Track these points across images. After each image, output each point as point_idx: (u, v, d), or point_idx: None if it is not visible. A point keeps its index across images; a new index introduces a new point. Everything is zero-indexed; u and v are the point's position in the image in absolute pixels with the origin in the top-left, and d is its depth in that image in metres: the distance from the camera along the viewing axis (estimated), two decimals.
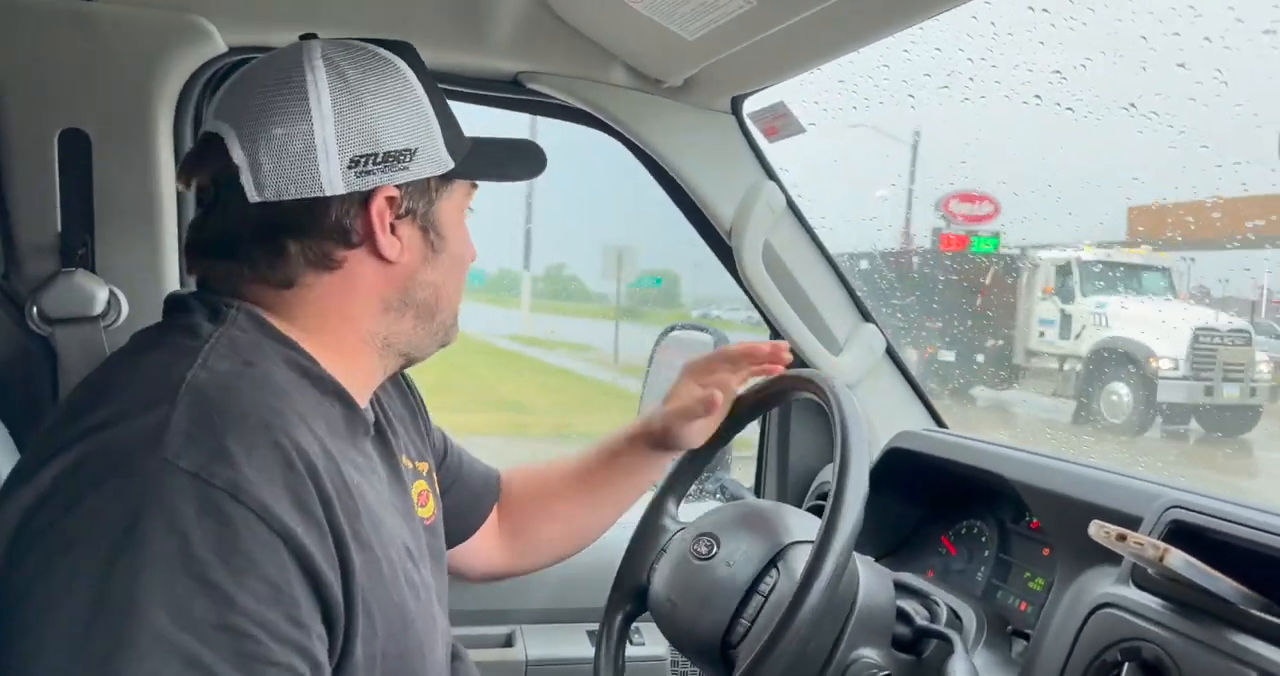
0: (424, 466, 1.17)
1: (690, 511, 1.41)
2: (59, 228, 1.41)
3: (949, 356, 9.73)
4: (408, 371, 1.19)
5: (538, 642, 1.72)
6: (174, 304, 0.97)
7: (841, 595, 1.15)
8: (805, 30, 1.28)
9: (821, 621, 1.04)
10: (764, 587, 1.15)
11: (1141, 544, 0.90)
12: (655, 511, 1.38)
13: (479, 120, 1.20)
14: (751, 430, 1.93)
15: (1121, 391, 8.17)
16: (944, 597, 1.29)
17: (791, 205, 1.73)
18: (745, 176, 1.70)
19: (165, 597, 0.72)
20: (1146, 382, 8.08)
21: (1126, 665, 0.96)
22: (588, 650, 1.70)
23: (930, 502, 1.59)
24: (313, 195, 0.90)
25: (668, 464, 1.41)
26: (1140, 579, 1.01)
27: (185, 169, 0.95)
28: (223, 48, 1.45)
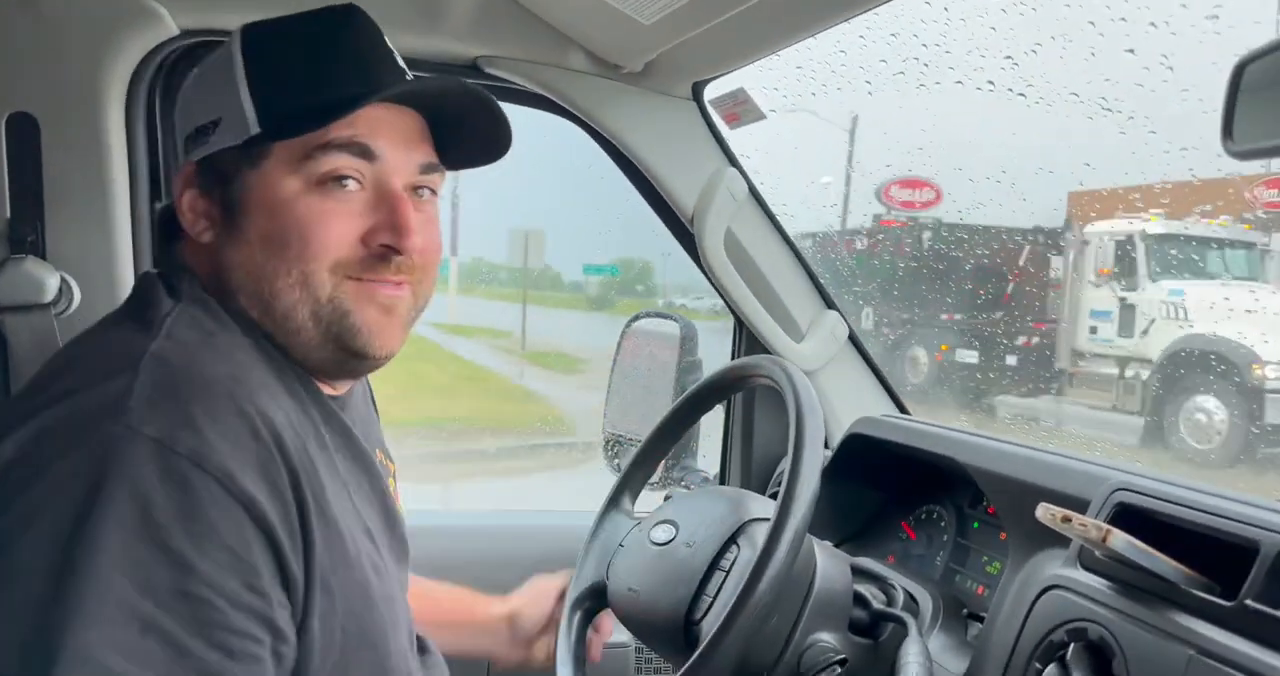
0: (392, 467, 1.16)
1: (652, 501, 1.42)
2: (8, 214, 1.40)
3: (968, 356, 8.07)
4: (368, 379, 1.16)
5: None
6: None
7: (798, 578, 1.16)
8: (762, 15, 1.28)
9: (783, 592, 1.05)
10: (725, 563, 1.16)
11: (1085, 525, 0.91)
12: (611, 508, 1.39)
13: None
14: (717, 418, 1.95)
15: (1210, 407, 6.11)
16: (901, 581, 1.30)
17: (754, 192, 1.73)
18: (707, 163, 1.70)
19: (126, 563, 0.72)
20: (1249, 396, 5.97)
21: (1072, 646, 0.97)
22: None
23: (891, 488, 1.60)
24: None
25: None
26: (1088, 561, 1.01)
27: None
28: (174, 31, 1.44)
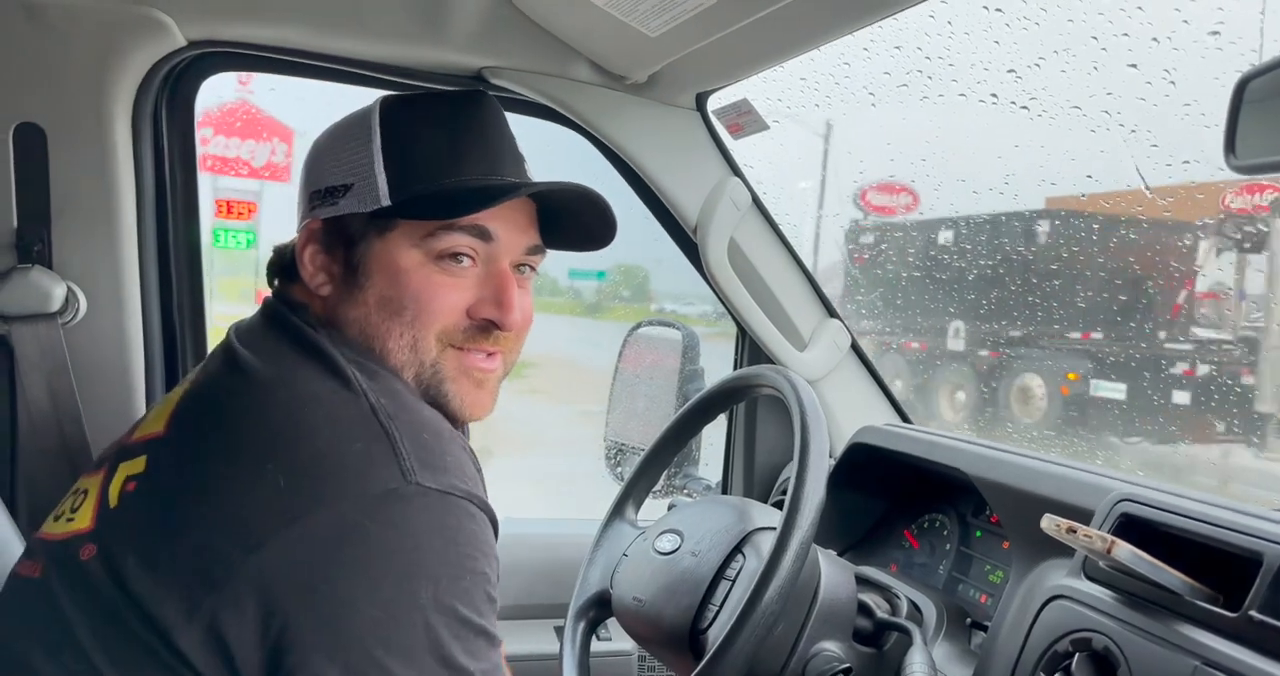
0: None
1: (656, 510, 1.42)
2: (14, 223, 1.40)
3: (1114, 391, 5.81)
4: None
5: (507, 639, 1.71)
6: (287, 328, 1.00)
7: (803, 588, 1.16)
8: (766, 27, 1.29)
9: (788, 601, 1.05)
10: (731, 572, 1.17)
11: (1090, 536, 0.91)
12: (615, 517, 1.39)
13: None
14: (719, 428, 1.95)
15: None
16: (905, 591, 1.30)
17: (757, 202, 1.74)
18: (710, 173, 1.70)
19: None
20: None
21: (1077, 656, 0.98)
22: (556, 646, 1.70)
23: (893, 497, 1.61)
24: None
25: None
26: (1092, 571, 1.02)
27: None
28: (181, 42, 1.44)
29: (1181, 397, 5.49)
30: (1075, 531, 0.93)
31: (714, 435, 1.96)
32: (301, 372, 0.93)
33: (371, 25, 1.49)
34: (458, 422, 1.03)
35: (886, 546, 1.58)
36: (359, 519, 0.81)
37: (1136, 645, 0.91)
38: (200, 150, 1.64)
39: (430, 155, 0.98)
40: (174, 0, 1.41)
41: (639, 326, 2.03)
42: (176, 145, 1.55)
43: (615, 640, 1.75)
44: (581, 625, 1.33)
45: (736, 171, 1.73)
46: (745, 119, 1.65)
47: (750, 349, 1.84)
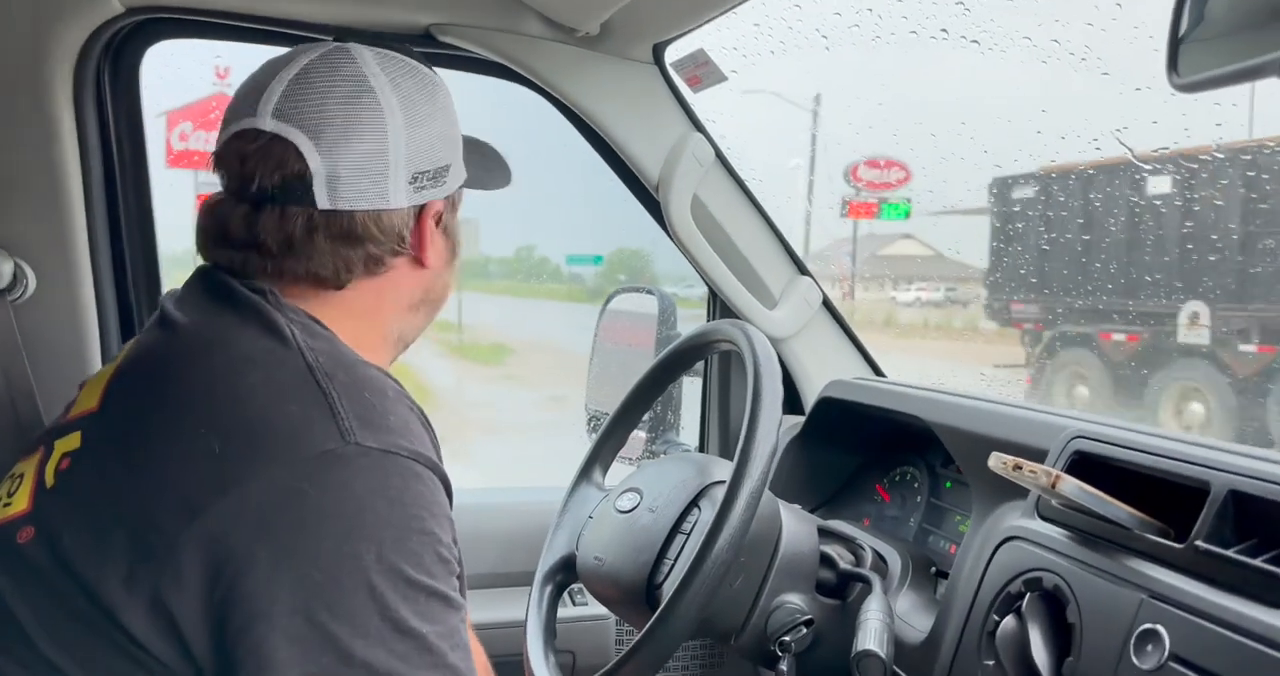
0: None
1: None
2: None
3: None
4: None
5: (480, 606, 1.71)
6: (222, 291, 0.96)
7: (763, 541, 1.15)
8: None
9: (747, 552, 1.04)
10: (686, 526, 1.16)
11: (1036, 472, 0.89)
12: (581, 480, 1.38)
13: None
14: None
15: None
16: (870, 542, 1.28)
17: (720, 157, 1.70)
18: (671, 128, 1.67)
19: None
20: None
21: (1028, 596, 0.96)
22: None
23: (865, 451, 1.58)
24: (378, 208, 0.95)
25: None
26: (1044, 510, 1.00)
27: (249, 163, 0.93)
28: (119, 8, 1.41)
29: None
30: (1021, 468, 0.90)
31: (694, 400, 1.94)
32: (236, 334, 0.90)
33: None
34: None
35: (859, 501, 1.56)
36: (297, 483, 0.79)
37: (1085, 581, 0.89)
38: (181, 145, 1.62)
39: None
40: None
41: (615, 294, 2.01)
42: (122, 116, 1.52)
43: (593, 604, 1.74)
44: (548, 589, 1.32)
45: (699, 127, 1.69)
46: (703, 70, 1.62)
47: (721, 309, 1.81)
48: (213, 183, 1.02)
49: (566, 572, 1.33)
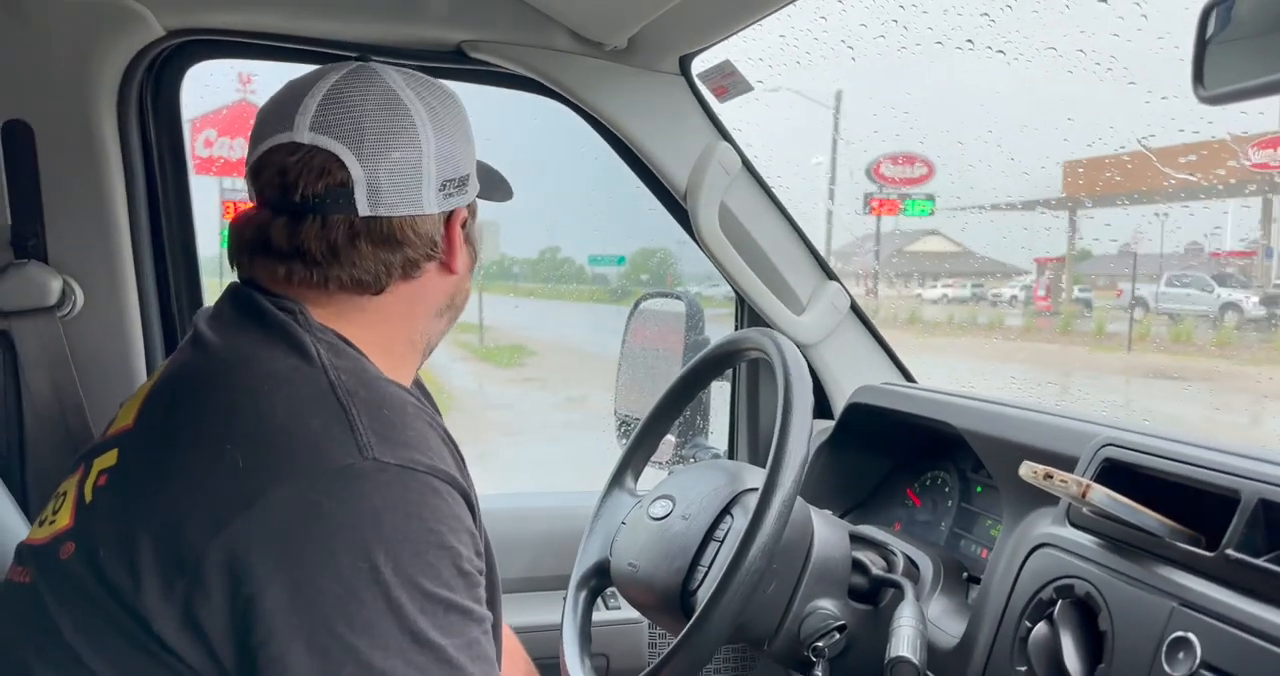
0: None
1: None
2: (8, 219, 1.42)
3: None
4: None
5: (516, 610, 1.74)
6: (252, 309, 0.99)
7: (796, 547, 1.16)
8: None
9: (780, 559, 1.05)
10: (720, 533, 1.17)
11: (1066, 481, 0.90)
12: (614, 487, 1.40)
13: None
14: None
15: None
16: (902, 547, 1.29)
17: (747, 165, 1.72)
18: (698, 138, 1.69)
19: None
20: None
21: (1060, 602, 0.97)
22: None
23: (895, 456, 1.59)
24: (414, 213, 0.99)
25: None
26: (1075, 518, 1.01)
27: (291, 174, 0.96)
28: (159, 32, 1.45)
29: None
30: (1052, 477, 0.91)
31: (723, 404, 1.96)
32: (264, 352, 0.93)
33: (349, 5, 1.50)
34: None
35: (889, 506, 1.57)
36: (315, 496, 0.81)
37: (1116, 589, 0.90)
38: (206, 152, 1.66)
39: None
40: None
41: (643, 299, 2.03)
42: (164, 135, 1.56)
43: (626, 608, 1.76)
44: (583, 594, 1.34)
45: (725, 135, 1.71)
46: (729, 81, 1.64)
47: (749, 316, 1.83)
48: (237, 189, 1.06)
49: (601, 578, 1.35)
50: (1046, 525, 1.05)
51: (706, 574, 1.15)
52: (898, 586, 1.19)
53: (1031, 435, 1.14)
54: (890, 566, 1.26)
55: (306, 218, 0.96)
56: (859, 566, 1.23)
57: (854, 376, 1.76)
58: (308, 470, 0.82)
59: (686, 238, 1.76)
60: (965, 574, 1.30)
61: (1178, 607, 0.84)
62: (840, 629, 1.16)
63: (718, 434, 1.96)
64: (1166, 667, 0.82)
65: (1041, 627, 0.97)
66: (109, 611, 0.84)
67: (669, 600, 1.19)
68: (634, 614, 1.77)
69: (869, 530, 1.35)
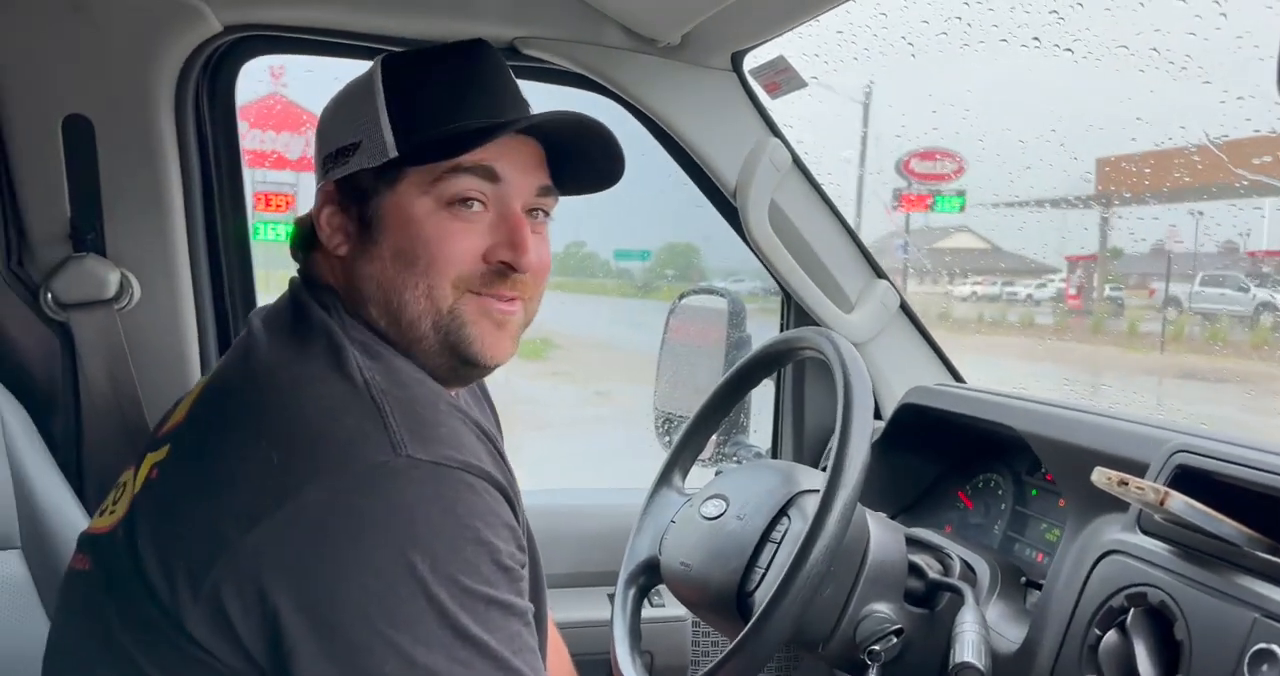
0: None
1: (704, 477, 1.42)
2: (68, 213, 1.43)
3: None
4: (485, 387, 1.26)
5: (560, 606, 1.74)
6: (299, 310, 1.00)
7: (852, 550, 1.15)
8: None
9: (836, 561, 1.05)
10: (776, 535, 1.16)
11: (1143, 489, 0.89)
12: (662, 484, 1.40)
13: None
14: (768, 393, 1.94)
15: None
16: (957, 551, 1.28)
17: (797, 162, 1.71)
18: (748, 134, 1.68)
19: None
20: None
21: (1132, 611, 0.95)
22: (609, 612, 1.72)
23: (947, 458, 1.58)
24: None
25: None
26: (1147, 525, 0.99)
27: None
28: (218, 28, 1.46)
29: None
30: (1127, 484, 0.90)
31: (764, 402, 1.95)
32: (302, 353, 0.93)
33: (404, 1, 1.50)
34: (481, 371, 1.03)
35: (941, 508, 1.56)
36: (350, 494, 0.81)
37: (1193, 598, 0.89)
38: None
39: (433, 103, 0.98)
40: None
41: (684, 296, 2.02)
42: (220, 130, 1.57)
43: (669, 606, 1.76)
44: (632, 591, 1.34)
45: (776, 132, 1.70)
46: (782, 77, 1.62)
47: (796, 313, 1.82)
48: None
49: (649, 575, 1.35)
50: (1115, 531, 1.04)
51: (764, 575, 1.15)
52: (956, 590, 1.18)
53: (1099, 440, 1.13)
54: (946, 570, 1.25)
55: None
56: (915, 570, 1.22)
57: (903, 376, 1.74)
58: (342, 468, 0.82)
59: (712, 232, 1.75)
60: (1023, 578, 1.28)
61: (1260, 619, 0.82)
62: (897, 633, 1.15)
63: (758, 432, 1.95)
64: None
65: (1112, 636, 0.96)
66: (146, 603, 0.85)
67: (724, 600, 1.19)
68: (678, 611, 1.77)
69: (924, 533, 1.34)
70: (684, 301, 2.01)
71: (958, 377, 1.79)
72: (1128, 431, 1.11)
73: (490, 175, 0.96)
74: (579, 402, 9.09)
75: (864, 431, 1.09)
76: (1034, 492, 1.42)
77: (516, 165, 0.98)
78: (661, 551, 1.32)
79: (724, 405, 1.42)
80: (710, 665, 1.08)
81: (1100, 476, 0.92)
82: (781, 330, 1.88)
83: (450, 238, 0.96)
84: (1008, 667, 1.13)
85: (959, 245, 11.33)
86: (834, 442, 1.10)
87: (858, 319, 1.75)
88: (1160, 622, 0.93)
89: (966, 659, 1.05)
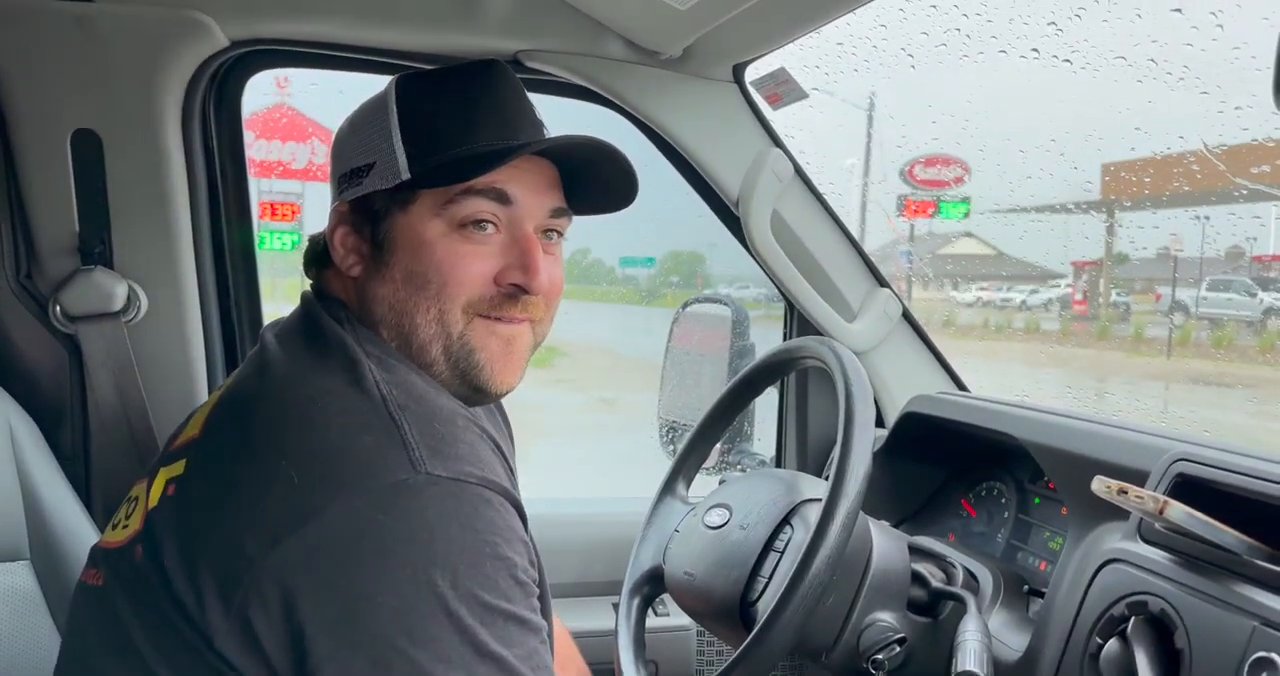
0: None
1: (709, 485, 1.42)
2: (76, 227, 1.45)
3: None
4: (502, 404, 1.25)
5: (564, 615, 1.74)
6: (312, 325, 1.02)
7: (855, 558, 1.16)
8: None
9: (838, 570, 1.05)
10: (779, 544, 1.17)
11: (1142, 497, 0.89)
12: (666, 493, 1.40)
13: None
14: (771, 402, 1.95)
15: None
16: (960, 559, 1.29)
17: (799, 172, 1.72)
18: (750, 145, 1.69)
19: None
20: None
21: (1133, 619, 0.96)
22: (614, 622, 1.72)
23: (950, 466, 1.59)
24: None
25: None
26: (1148, 533, 1.00)
27: None
28: (224, 42, 1.47)
29: None
30: (1127, 493, 0.90)
31: (767, 410, 1.96)
32: (318, 368, 0.94)
33: (408, 15, 1.51)
34: (489, 399, 1.03)
35: (944, 516, 1.56)
36: (371, 512, 0.81)
37: (1194, 607, 0.89)
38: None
39: (446, 125, 0.98)
40: (215, 1, 1.44)
41: (688, 304, 2.03)
42: (225, 143, 1.59)
43: (674, 615, 1.76)
44: (636, 601, 1.35)
45: (778, 142, 1.71)
46: (783, 88, 1.63)
47: (799, 322, 1.83)
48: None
49: (653, 585, 1.35)
50: (1116, 540, 1.04)
51: (767, 585, 1.15)
52: (959, 599, 1.18)
53: (1099, 448, 1.13)
54: (949, 578, 1.25)
55: None
56: (918, 578, 1.22)
57: (905, 384, 1.75)
58: (362, 486, 0.83)
59: (716, 240, 1.76)
60: (1025, 587, 1.29)
61: (1259, 627, 0.82)
62: (900, 641, 1.15)
63: (762, 440, 1.96)
64: None
65: (1113, 644, 0.96)
66: (174, 622, 0.85)
67: (727, 610, 1.19)
68: (682, 620, 1.78)
69: (927, 542, 1.34)
70: (688, 310, 2.01)
71: (960, 386, 1.80)
72: (1128, 440, 1.12)
73: (502, 197, 0.97)
74: (584, 409, 9.10)
75: (866, 441, 1.09)
76: (1036, 501, 1.42)
77: (529, 187, 0.99)
78: (665, 561, 1.33)
79: (727, 414, 1.43)
80: (715, 674, 1.08)
81: (1100, 485, 0.93)
82: (785, 338, 1.89)
83: (461, 260, 0.97)
84: (1011, 675, 1.13)
85: (963, 251, 11.34)
86: (836, 452, 1.10)
87: (860, 328, 1.76)
88: (1161, 631, 0.93)
89: (969, 667, 1.06)
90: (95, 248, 1.45)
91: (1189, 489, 0.99)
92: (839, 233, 1.76)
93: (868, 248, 1.80)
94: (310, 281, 1.07)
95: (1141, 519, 1.01)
